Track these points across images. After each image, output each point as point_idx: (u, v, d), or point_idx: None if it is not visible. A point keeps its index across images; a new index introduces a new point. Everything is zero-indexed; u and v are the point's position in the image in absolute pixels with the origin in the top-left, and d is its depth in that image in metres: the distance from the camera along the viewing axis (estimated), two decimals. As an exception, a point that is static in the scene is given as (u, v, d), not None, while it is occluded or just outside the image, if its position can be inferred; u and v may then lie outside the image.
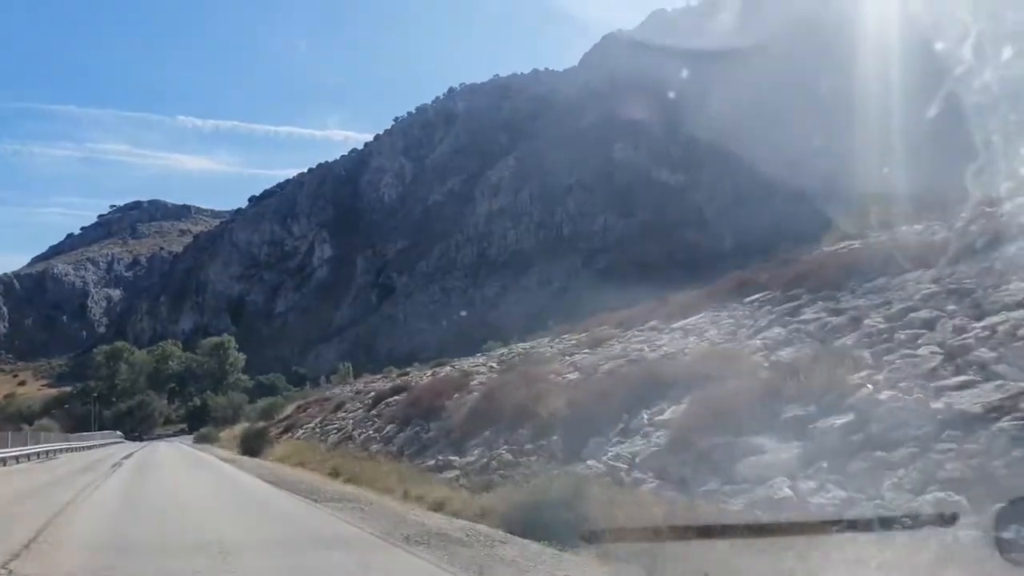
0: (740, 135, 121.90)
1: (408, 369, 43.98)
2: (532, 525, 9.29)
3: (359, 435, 24.07)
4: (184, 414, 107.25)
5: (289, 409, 43.61)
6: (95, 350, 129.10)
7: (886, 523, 6.10)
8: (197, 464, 30.43)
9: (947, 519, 5.79)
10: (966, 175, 9.40)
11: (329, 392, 44.40)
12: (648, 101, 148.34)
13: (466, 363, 29.63)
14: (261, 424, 44.27)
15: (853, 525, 6.34)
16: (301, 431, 32.86)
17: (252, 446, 32.43)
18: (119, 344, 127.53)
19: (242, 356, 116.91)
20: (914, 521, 5.99)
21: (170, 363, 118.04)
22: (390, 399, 25.51)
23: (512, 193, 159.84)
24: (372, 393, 29.84)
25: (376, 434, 22.52)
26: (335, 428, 28.53)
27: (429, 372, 31.62)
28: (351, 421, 27.42)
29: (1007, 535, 4.34)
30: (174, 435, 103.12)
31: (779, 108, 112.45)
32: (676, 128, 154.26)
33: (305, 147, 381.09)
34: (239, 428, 50.78)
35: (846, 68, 56.13)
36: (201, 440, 58.90)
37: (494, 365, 24.70)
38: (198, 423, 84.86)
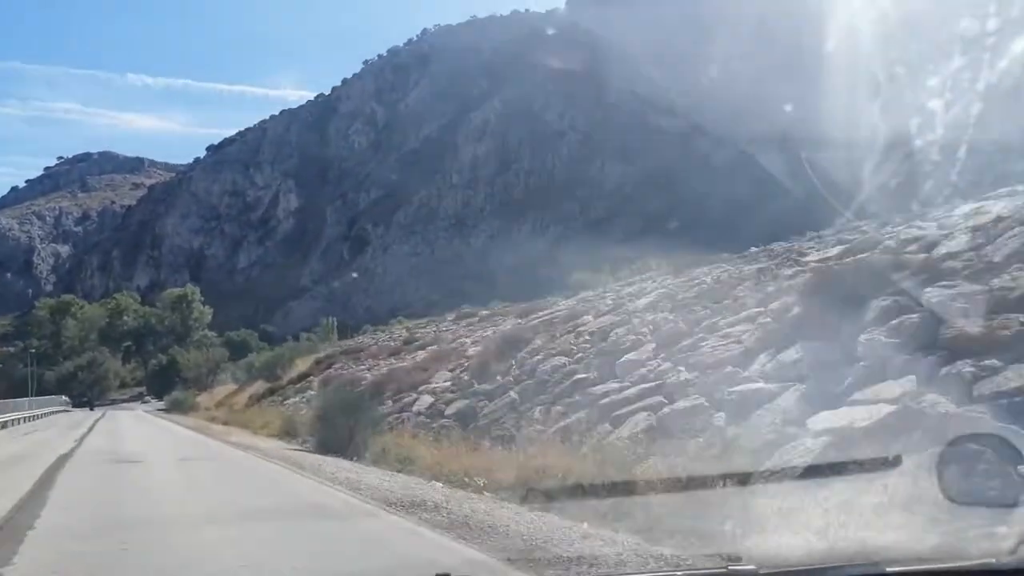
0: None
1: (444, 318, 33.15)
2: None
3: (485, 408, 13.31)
4: (144, 375, 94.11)
5: (303, 365, 32.33)
6: (37, 303, 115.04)
7: (831, 469, 6.10)
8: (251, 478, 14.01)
9: (891, 462, 5.78)
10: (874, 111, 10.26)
11: (358, 342, 33.34)
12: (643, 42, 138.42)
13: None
14: (265, 386, 33.00)
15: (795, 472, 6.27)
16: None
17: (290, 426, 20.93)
18: (66, 297, 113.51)
19: (208, 310, 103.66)
20: (859, 466, 5.95)
21: (125, 318, 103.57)
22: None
23: (499, 138, 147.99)
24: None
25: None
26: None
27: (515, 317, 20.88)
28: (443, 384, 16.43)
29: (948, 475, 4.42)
30: (132, 400, 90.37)
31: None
32: (676, 69, 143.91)
33: (260, 106, 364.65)
34: (222, 391, 39.47)
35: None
36: (175, 408, 46.64)
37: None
38: (161, 386, 72.33)
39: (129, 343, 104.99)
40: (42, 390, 70.01)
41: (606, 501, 7.42)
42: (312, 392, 24.73)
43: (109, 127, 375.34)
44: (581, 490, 7.88)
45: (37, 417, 41.74)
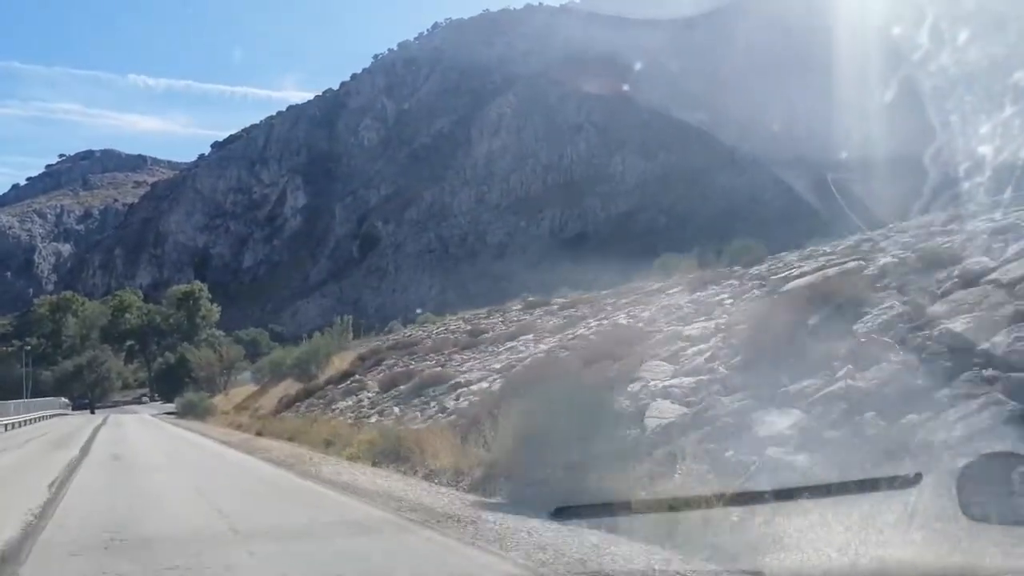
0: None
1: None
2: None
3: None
4: (148, 376, 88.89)
5: (342, 363, 27.17)
6: (36, 300, 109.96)
7: (850, 487, 6.05)
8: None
9: (911, 480, 5.73)
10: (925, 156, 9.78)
11: (407, 336, 28.30)
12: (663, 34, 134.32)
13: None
14: (296, 387, 27.89)
15: (818, 490, 6.17)
16: (430, 404, 16.08)
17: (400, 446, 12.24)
18: (66, 293, 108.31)
19: (216, 308, 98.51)
20: (879, 483, 5.96)
21: (128, 315, 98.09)
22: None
23: (514, 132, 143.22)
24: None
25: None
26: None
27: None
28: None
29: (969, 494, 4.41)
30: (135, 402, 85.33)
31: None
32: (697, 62, 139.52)
33: (264, 108, 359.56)
34: (239, 393, 34.40)
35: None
36: (188, 411, 40.57)
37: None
38: (168, 386, 67.27)
39: (132, 342, 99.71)
40: (39, 391, 65.11)
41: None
42: (372, 393, 19.59)
43: (111, 128, 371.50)
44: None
45: (22, 424, 35.77)
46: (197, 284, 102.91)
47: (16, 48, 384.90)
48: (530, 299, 27.50)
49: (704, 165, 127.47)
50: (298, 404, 24.42)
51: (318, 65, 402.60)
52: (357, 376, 23.29)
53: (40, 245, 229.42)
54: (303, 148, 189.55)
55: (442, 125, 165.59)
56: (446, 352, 21.28)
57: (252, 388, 39.41)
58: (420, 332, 29.89)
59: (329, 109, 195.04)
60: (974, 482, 4.41)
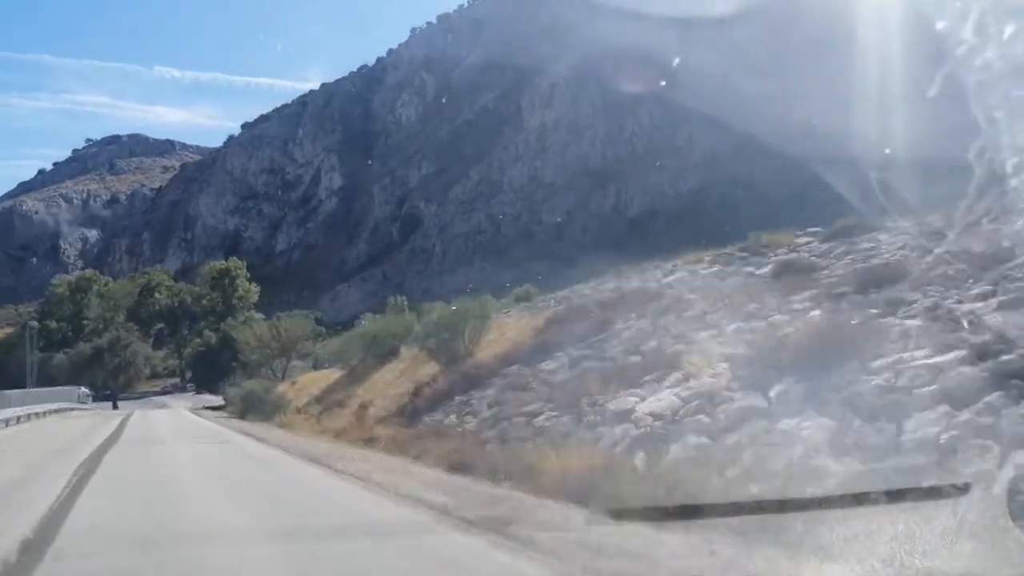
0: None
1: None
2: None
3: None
4: (180, 363, 78.67)
5: (504, 336, 16.70)
6: (54, 279, 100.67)
7: (898, 495, 6.01)
8: None
9: (960, 489, 5.63)
10: (970, 153, 9.11)
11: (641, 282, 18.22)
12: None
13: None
14: (436, 370, 17.14)
15: (864, 498, 6.15)
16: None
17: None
18: (87, 272, 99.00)
19: (255, 287, 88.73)
20: (928, 492, 5.89)
21: (157, 295, 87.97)
22: None
23: (568, 104, 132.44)
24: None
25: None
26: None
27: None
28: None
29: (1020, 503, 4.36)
30: (165, 392, 75.89)
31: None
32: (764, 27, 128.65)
33: (290, 99, 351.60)
34: (312, 380, 24.31)
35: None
36: (248, 408, 28.64)
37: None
38: (206, 374, 56.98)
39: (161, 325, 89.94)
40: (51, 379, 54.88)
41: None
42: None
43: (138, 120, 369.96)
44: None
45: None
46: (235, 261, 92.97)
47: (47, 42, 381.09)
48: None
49: (776, 134, 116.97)
50: (448, 400, 14.37)
51: (350, 47, 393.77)
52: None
53: (66, 230, 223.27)
54: (338, 127, 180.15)
55: (486, 100, 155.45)
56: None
57: (332, 374, 28.96)
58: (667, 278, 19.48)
59: (365, 84, 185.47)
60: None
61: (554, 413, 12.54)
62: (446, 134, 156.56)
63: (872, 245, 15.74)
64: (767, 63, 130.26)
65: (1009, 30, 8.31)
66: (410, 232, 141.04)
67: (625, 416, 10.91)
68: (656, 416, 10.55)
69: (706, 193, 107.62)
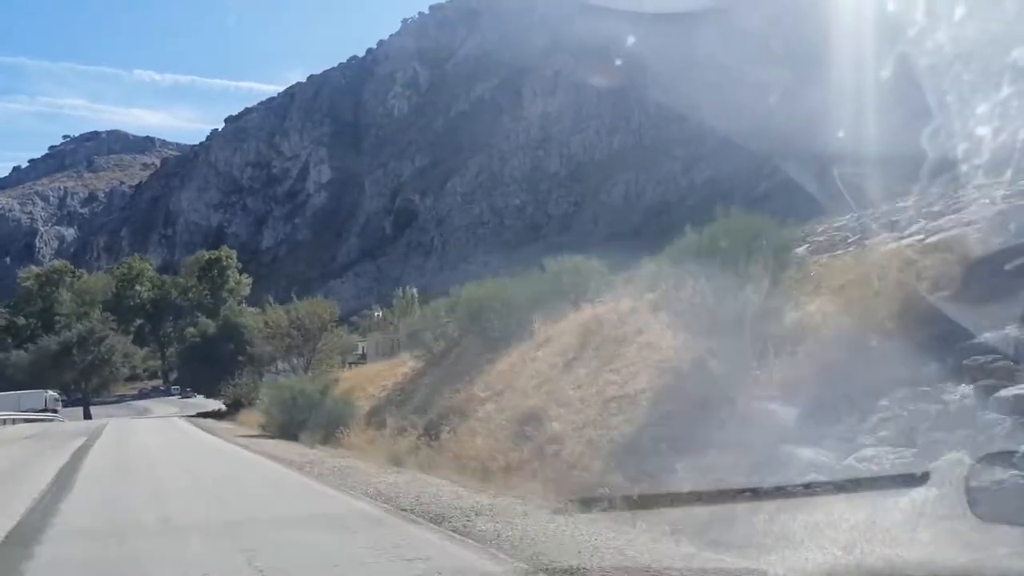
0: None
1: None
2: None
3: None
4: (164, 363, 70.74)
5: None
6: (20, 272, 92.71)
7: (857, 484, 5.96)
8: None
9: (919, 478, 5.67)
10: (922, 137, 8.95)
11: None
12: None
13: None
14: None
15: (824, 487, 6.11)
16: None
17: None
18: (57, 263, 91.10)
19: (247, 279, 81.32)
20: (887, 481, 5.88)
21: (138, 287, 79.79)
22: None
23: (571, 92, 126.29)
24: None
25: None
26: None
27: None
28: None
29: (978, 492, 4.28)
30: (146, 396, 68.72)
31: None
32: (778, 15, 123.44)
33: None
34: (364, 376, 17.23)
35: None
36: (292, 424, 19.70)
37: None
38: (198, 373, 48.72)
39: (141, 321, 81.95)
40: (16, 382, 46.40)
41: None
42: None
43: (117, 122, 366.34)
44: None
45: None
46: (225, 250, 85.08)
47: (25, 45, 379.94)
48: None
49: (789, 123, 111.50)
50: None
51: (338, 40, 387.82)
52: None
53: (42, 228, 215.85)
54: (327, 119, 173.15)
55: (483, 90, 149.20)
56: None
57: (371, 369, 21.80)
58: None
59: (355, 75, 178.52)
60: (983, 480, 4.05)
61: None
62: (440, 125, 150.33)
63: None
64: (779, 49, 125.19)
65: (959, 12, 8.21)
66: (404, 226, 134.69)
67: None
68: None
69: (723, 183, 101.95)
